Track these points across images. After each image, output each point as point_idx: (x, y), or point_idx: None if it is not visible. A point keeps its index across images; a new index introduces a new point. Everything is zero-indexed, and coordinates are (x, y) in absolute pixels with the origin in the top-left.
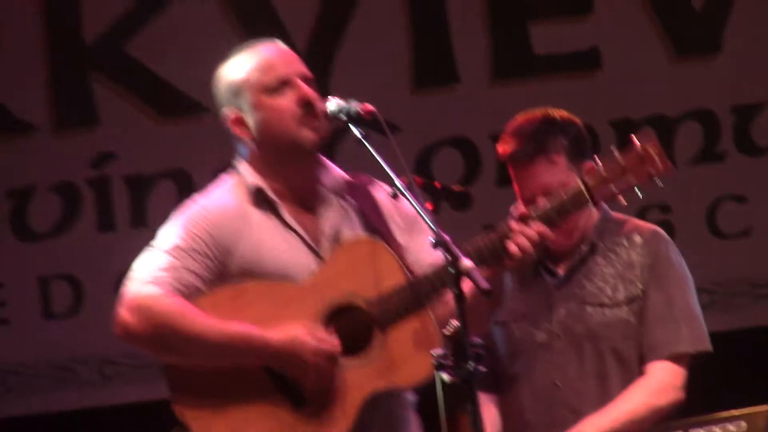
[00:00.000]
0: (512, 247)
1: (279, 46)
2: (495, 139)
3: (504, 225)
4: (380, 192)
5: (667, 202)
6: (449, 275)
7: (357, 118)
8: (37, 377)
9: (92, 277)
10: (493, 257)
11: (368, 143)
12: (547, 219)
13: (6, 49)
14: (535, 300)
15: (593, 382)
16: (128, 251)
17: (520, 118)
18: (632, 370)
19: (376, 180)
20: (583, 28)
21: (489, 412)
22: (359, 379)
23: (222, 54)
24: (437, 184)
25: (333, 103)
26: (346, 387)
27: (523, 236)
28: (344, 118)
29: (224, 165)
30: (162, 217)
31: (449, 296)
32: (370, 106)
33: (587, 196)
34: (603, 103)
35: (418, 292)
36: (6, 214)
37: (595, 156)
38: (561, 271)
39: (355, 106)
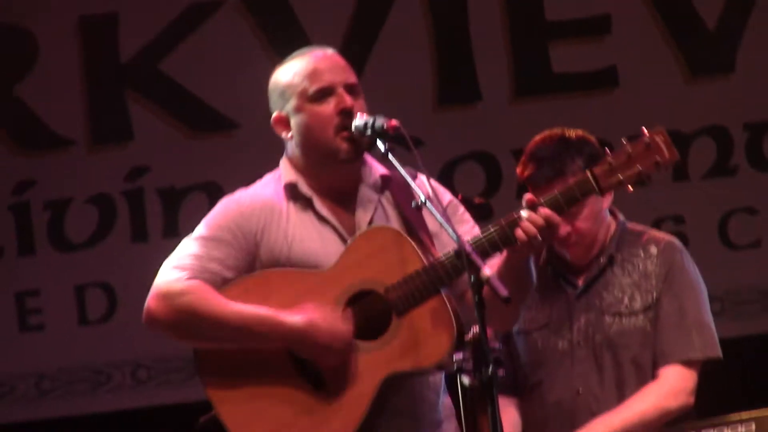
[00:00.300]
0: (519, 232)
1: (328, 53)
2: (516, 154)
3: (515, 212)
4: (419, 184)
5: (681, 213)
6: (463, 261)
7: (382, 133)
8: (73, 381)
9: (126, 286)
10: (504, 242)
11: (393, 157)
12: (555, 205)
13: (45, 67)
14: (556, 310)
15: (612, 389)
16: (160, 260)
17: (537, 141)
18: (648, 377)
19: (417, 172)
20: (601, 48)
21: (510, 413)
22: (376, 362)
23: (252, 73)
24: (459, 196)
25: (359, 118)
26: (364, 370)
27: (529, 222)
28: (370, 132)
29: (253, 177)
30: (193, 228)
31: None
32: (395, 121)
33: (594, 184)
34: (620, 120)
35: (433, 278)
36: (44, 225)
37: (606, 147)
38: (581, 282)
39: (381, 121)
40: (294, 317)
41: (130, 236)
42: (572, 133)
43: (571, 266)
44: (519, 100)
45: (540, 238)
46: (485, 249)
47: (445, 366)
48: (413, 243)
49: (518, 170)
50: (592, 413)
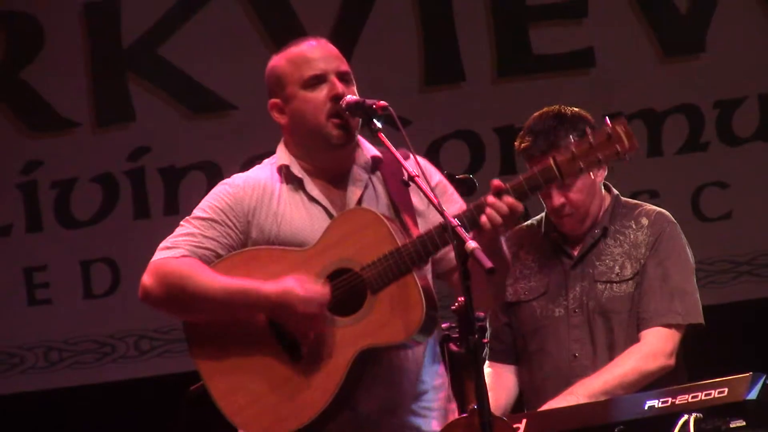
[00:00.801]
0: (482, 219)
1: (321, 42)
2: (498, 132)
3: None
4: (410, 164)
5: (656, 188)
6: (434, 243)
7: (372, 113)
8: (79, 352)
9: (128, 261)
10: (471, 226)
11: (382, 136)
12: (519, 192)
13: (51, 53)
14: (553, 280)
15: (605, 353)
16: (161, 236)
17: (535, 116)
18: (636, 340)
19: (409, 153)
20: (578, 31)
21: (506, 379)
22: (350, 337)
23: (248, 56)
24: (445, 172)
25: (350, 99)
26: (339, 344)
27: (493, 209)
28: (360, 112)
29: (250, 156)
30: (192, 205)
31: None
32: (383, 102)
33: (556, 172)
34: (597, 99)
35: (406, 258)
36: (51, 203)
37: (570, 136)
38: (576, 252)
39: (370, 101)
40: (272, 287)
41: (133, 214)
42: (569, 110)
43: (567, 237)
44: (501, 80)
45: (503, 224)
46: None
47: (418, 342)
48: (389, 224)
49: (516, 143)
50: (587, 375)
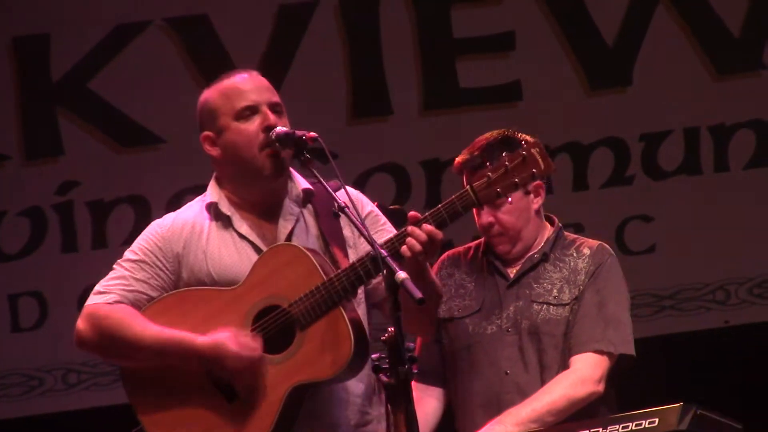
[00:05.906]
0: (402, 248)
1: (253, 75)
2: (424, 165)
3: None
4: (340, 194)
5: (580, 221)
6: (358, 276)
7: (302, 144)
8: (6, 386)
9: (56, 294)
10: (394, 257)
11: (312, 167)
12: (438, 220)
13: None
14: (488, 299)
15: (536, 373)
16: (89, 270)
17: (484, 134)
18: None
19: (341, 184)
20: (505, 64)
21: (426, 404)
22: (281, 375)
23: (176, 89)
24: (375, 203)
25: (280, 130)
26: (271, 383)
27: (412, 237)
28: (290, 143)
29: (179, 190)
30: (120, 239)
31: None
32: (313, 133)
33: (473, 198)
34: (523, 132)
35: (332, 291)
36: None
37: (487, 162)
38: (512, 274)
39: (300, 132)
40: (205, 339)
41: (61, 247)
42: (517, 133)
43: (503, 259)
44: (427, 113)
45: (424, 253)
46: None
47: (350, 376)
48: (314, 259)
49: (456, 159)
50: (518, 388)
